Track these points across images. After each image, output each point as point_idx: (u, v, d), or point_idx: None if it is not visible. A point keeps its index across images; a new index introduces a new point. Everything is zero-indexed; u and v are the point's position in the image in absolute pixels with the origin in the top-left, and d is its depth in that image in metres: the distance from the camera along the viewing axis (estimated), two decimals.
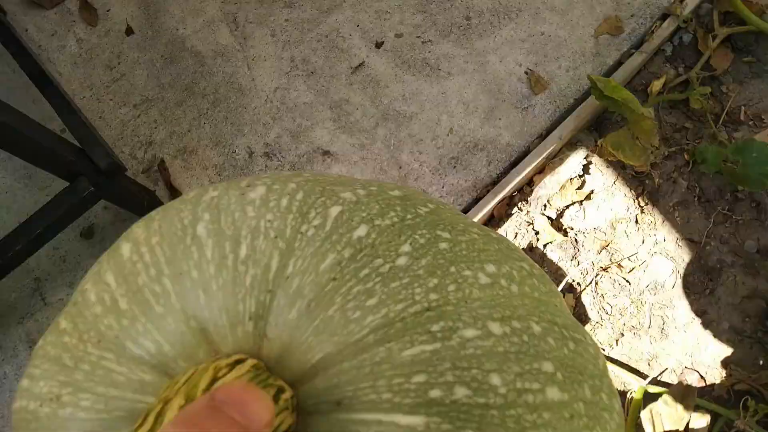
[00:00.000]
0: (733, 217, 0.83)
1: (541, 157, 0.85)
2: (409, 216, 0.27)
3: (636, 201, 0.86)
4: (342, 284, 0.23)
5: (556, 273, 0.83)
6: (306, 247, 0.24)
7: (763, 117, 0.88)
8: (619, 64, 0.92)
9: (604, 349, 0.78)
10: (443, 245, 0.26)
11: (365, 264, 0.24)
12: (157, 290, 0.24)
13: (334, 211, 0.26)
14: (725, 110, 0.88)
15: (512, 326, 0.24)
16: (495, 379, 0.22)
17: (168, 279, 0.24)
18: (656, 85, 0.91)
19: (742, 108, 0.89)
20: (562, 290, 0.82)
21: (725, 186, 0.84)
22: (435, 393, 0.21)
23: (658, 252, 0.83)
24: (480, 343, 0.23)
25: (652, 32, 0.93)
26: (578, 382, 0.25)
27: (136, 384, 0.23)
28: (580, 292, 0.82)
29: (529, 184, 0.88)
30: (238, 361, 0.22)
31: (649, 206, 0.85)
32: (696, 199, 0.85)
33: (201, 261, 0.24)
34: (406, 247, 0.25)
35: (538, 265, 0.30)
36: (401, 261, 0.24)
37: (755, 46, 0.91)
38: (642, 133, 0.80)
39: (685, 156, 0.87)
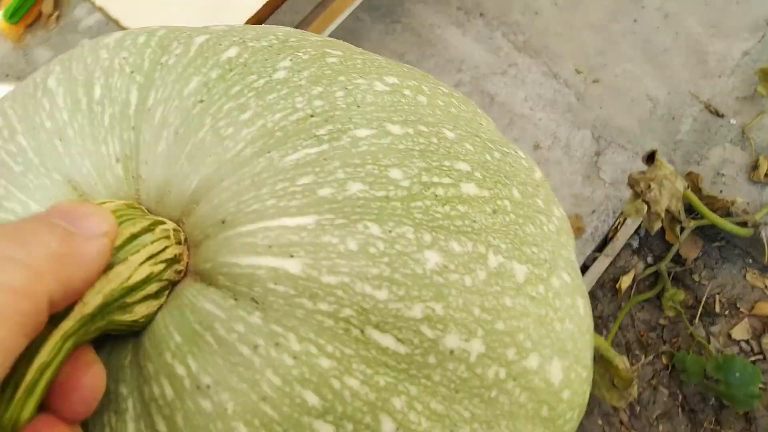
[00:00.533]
0: (721, 431, 0.80)
1: None
2: (292, 39, 0.24)
3: (617, 415, 0.85)
4: (210, 104, 0.22)
5: None
6: (167, 75, 0.22)
7: (738, 305, 0.85)
8: (584, 267, 0.93)
9: None
10: (332, 60, 0.24)
11: (236, 82, 0.22)
12: (13, 149, 0.22)
13: (200, 39, 0.24)
14: (701, 304, 0.87)
15: (417, 129, 0.22)
16: (395, 173, 0.21)
17: (22, 136, 0.22)
18: (625, 281, 0.89)
19: (717, 297, 0.86)
20: None
21: (709, 391, 0.82)
22: (324, 191, 0.20)
23: None
24: (375, 141, 0.21)
25: (616, 230, 0.93)
26: (503, 184, 0.23)
27: None
28: None
29: None
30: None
31: (631, 420, 0.84)
32: (680, 408, 0.82)
33: (53, 110, 0.22)
34: (285, 63, 0.23)
35: (459, 93, 0.28)
36: (279, 75, 0.22)
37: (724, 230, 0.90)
38: (619, 381, 0.77)
39: (663, 360, 0.85)
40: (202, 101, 0.22)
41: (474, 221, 0.21)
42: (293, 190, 0.20)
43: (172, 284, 0.20)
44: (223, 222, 0.20)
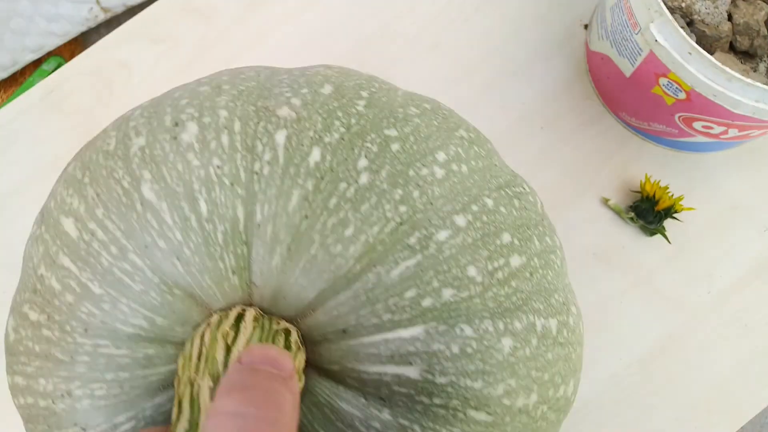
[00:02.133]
0: None
1: None
2: (353, 121, 0.26)
3: None
4: (315, 220, 0.23)
5: None
6: (267, 188, 0.24)
7: None
8: None
9: None
10: (395, 147, 0.25)
11: (331, 192, 0.24)
12: (128, 268, 0.23)
13: (281, 137, 0.25)
14: None
15: (472, 211, 0.25)
16: (471, 271, 0.24)
17: (135, 255, 0.23)
18: None
19: None
20: None
21: None
22: (427, 302, 0.23)
23: None
24: (452, 242, 0.24)
25: None
26: (529, 239, 0.27)
27: (142, 361, 0.23)
28: None
29: None
30: (239, 317, 0.23)
31: None
32: None
33: (163, 228, 0.23)
34: (362, 162, 0.25)
35: (469, 124, 0.31)
36: (363, 179, 0.24)
37: None
38: None
39: None
40: (307, 217, 0.23)
41: (522, 292, 0.26)
42: (402, 304, 0.23)
43: None
44: (344, 331, 0.23)
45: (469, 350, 0.24)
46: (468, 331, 0.24)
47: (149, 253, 0.23)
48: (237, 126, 0.25)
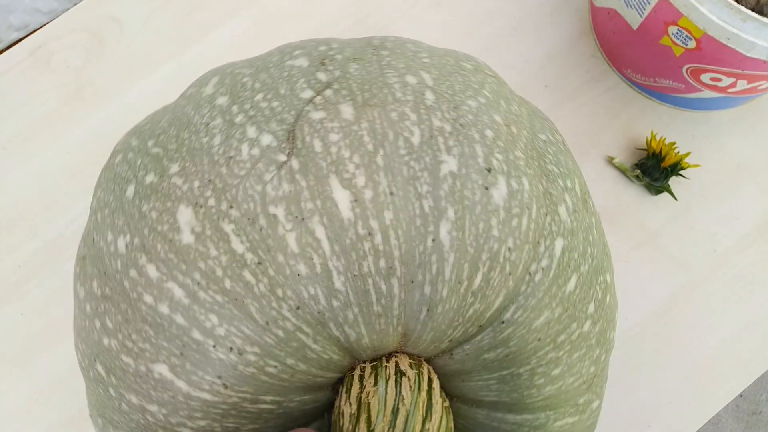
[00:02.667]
0: None
1: None
2: (596, 252, 0.26)
3: None
4: (542, 346, 0.23)
5: None
6: (530, 295, 0.23)
7: None
8: None
9: None
10: (608, 299, 0.26)
11: (564, 327, 0.24)
12: (383, 290, 0.21)
13: (558, 247, 0.24)
14: None
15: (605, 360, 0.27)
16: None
17: (396, 281, 0.22)
18: None
19: None
20: None
21: None
22: None
23: None
24: (597, 412, 0.27)
25: None
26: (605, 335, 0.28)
27: (324, 362, 0.22)
28: None
29: None
30: (429, 381, 0.23)
31: None
32: None
33: (437, 277, 0.22)
34: (591, 308, 0.25)
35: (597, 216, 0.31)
36: (586, 327, 0.25)
37: None
38: None
39: None
40: (539, 340, 0.23)
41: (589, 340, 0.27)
42: None
43: None
44: None
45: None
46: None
47: (410, 289, 0.22)
48: (534, 211, 0.23)
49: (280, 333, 0.21)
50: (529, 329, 0.23)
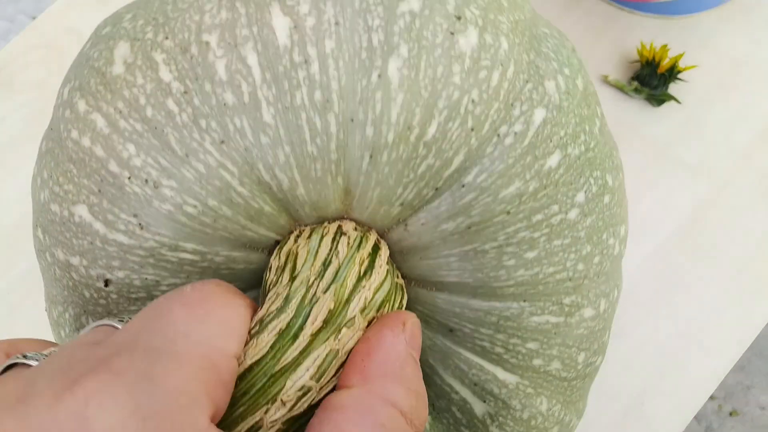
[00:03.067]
0: None
1: None
2: (592, 144, 0.23)
3: None
4: (512, 222, 0.21)
5: None
6: (497, 160, 0.20)
7: None
8: None
9: None
10: (607, 199, 0.23)
11: (542, 207, 0.21)
12: (317, 126, 0.19)
13: (538, 117, 0.21)
14: None
15: (607, 308, 0.25)
16: (581, 357, 0.24)
17: (333, 118, 0.19)
18: None
19: None
20: None
21: None
22: (537, 362, 0.22)
23: None
24: (590, 323, 0.23)
25: None
26: (604, 344, 0.26)
27: (252, 211, 0.20)
28: None
29: None
30: (375, 247, 0.20)
31: None
32: None
33: (381, 117, 0.19)
34: (581, 197, 0.22)
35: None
36: (572, 214, 0.22)
37: None
38: None
39: None
40: (508, 213, 0.21)
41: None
42: (518, 349, 0.22)
43: None
44: (450, 331, 0.22)
45: (534, 422, 0.23)
46: (544, 405, 0.23)
47: (350, 129, 0.20)
48: (510, 70, 0.21)
49: (201, 167, 0.19)
50: (495, 198, 0.21)
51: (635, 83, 0.44)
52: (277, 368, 0.16)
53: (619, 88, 0.45)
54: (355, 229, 0.21)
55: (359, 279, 0.19)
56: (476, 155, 0.20)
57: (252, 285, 0.22)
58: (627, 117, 0.45)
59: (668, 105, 0.45)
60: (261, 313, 0.18)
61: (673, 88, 0.44)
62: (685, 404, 0.41)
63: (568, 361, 0.23)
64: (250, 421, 0.16)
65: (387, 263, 0.20)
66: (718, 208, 0.43)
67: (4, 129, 0.46)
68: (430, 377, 0.22)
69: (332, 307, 0.18)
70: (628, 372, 0.41)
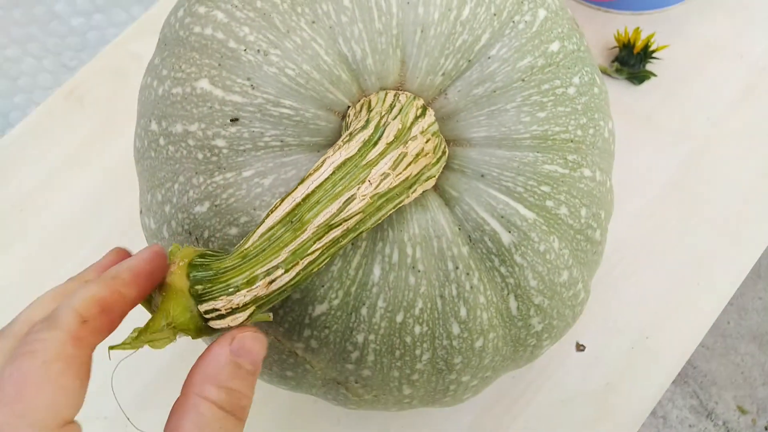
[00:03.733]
0: None
1: None
2: (582, 48, 0.30)
3: None
4: (526, 88, 0.27)
5: None
6: (513, 38, 0.27)
7: None
8: None
9: None
10: (596, 90, 0.30)
11: (548, 79, 0.28)
12: (383, 6, 0.26)
13: (542, 14, 0.28)
14: None
15: (603, 178, 0.30)
16: (583, 211, 0.29)
17: (395, 2, 0.26)
18: None
19: None
20: None
21: None
22: (549, 203, 0.27)
23: None
24: (588, 183, 0.29)
25: None
26: (600, 218, 0.31)
27: (333, 77, 0.26)
28: None
29: None
30: (423, 107, 0.26)
31: None
32: None
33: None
34: (576, 79, 0.29)
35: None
36: (571, 90, 0.28)
37: None
38: None
39: None
40: (523, 80, 0.27)
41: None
42: (535, 191, 0.27)
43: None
44: (482, 176, 0.27)
45: (548, 257, 0.28)
46: (556, 244, 0.28)
47: (405, 9, 0.26)
48: None
49: (298, 40, 0.26)
50: (513, 68, 0.27)
51: (616, 64, 0.51)
52: (363, 162, 0.23)
53: (603, 72, 0.52)
54: (407, 97, 0.27)
55: (416, 117, 0.25)
56: (498, 34, 0.27)
57: (330, 141, 0.27)
58: (612, 95, 0.51)
59: (648, 83, 0.52)
60: (350, 129, 0.24)
61: (653, 69, 0.51)
62: (686, 338, 0.45)
63: (573, 210, 0.28)
64: (347, 195, 0.22)
65: (434, 118, 0.26)
66: (705, 162, 0.49)
67: (74, 137, 0.53)
68: (468, 213, 0.27)
69: (400, 127, 0.24)
70: (632, 310, 0.46)
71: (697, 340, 0.45)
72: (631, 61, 0.51)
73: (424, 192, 0.26)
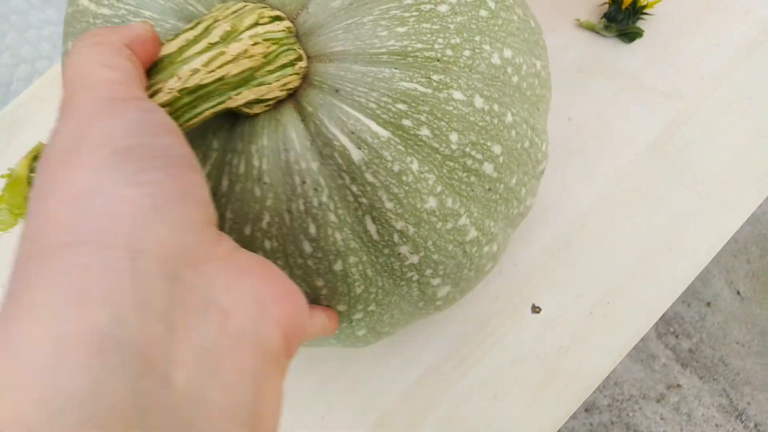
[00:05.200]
0: None
1: None
2: None
3: None
4: (385, 1, 0.27)
5: None
6: None
7: None
8: None
9: None
10: (483, 13, 0.28)
11: None
12: None
13: None
14: None
15: (492, 107, 0.28)
16: (453, 137, 0.27)
17: None
18: None
19: None
20: None
21: None
22: (406, 122, 0.26)
23: None
24: (460, 107, 0.27)
25: None
26: (512, 171, 0.30)
27: None
28: None
29: None
30: (278, 18, 0.26)
31: None
32: None
33: None
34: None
35: (549, 68, 0.34)
36: (442, 8, 0.27)
37: None
38: None
39: None
40: None
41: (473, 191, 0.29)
42: (389, 108, 0.26)
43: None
44: (337, 91, 0.27)
45: (405, 178, 0.27)
46: (414, 166, 0.27)
47: None
48: None
49: None
50: None
51: (603, 21, 0.49)
52: (179, 59, 0.23)
53: (591, 29, 0.49)
54: (255, 6, 0.26)
55: (256, 24, 0.25)
56: None
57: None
58: (601, 53, 0.49)
59: (640, 41, 0.49)
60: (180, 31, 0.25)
61: (646, 24, 0.48)
62: (650, 307, 0.42)
63: (437, 132, 0.27)
64: (154, 87, 0.23)
65: (288, 30, 0.26)
66: (689, 126, 0.46)
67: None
68: (319, 128, 0.26)
69: (228, 29, 0.24)
70: (595, 274, 0.43)
71: (662, 310, 0.42)
72: (620, 17, 0.48)
73: (282, 107, 0.26)
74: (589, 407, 0.81)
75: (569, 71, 0.49)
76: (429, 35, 0.27)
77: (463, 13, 0.28)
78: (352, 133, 0.26)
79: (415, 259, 0.29)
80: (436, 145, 0.27)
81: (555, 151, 0.46)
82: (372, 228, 0.27)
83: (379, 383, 0.43)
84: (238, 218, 0.27)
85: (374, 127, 0.26)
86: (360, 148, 0.26)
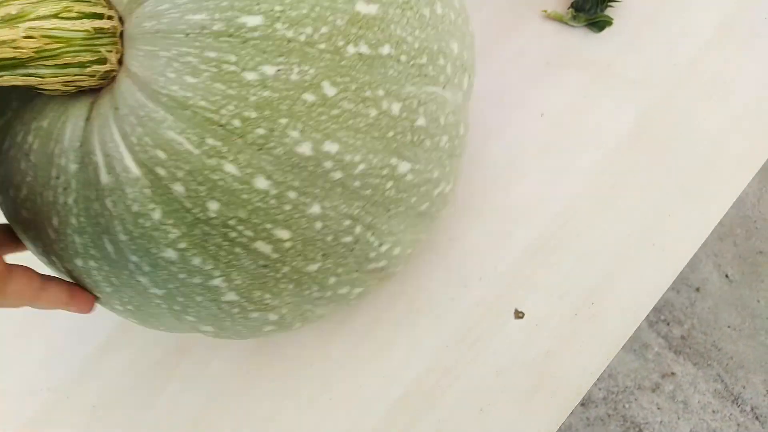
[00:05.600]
0: None
1: None
2: (329, 48, 0.26)
3: None
4: (186, 44, 0.24)
5: None
6: None
7: None
8: None
9: None
10: (308, 97, 0.25)
11: (220, 49, 0.24)
12: None
13: None
14: None
15: (284, 193, 0.26)
16: (212, 205, 0.25)
17: None
18: None
19: None
20: None
21: None
22: (161, 171, 0.25)
23: None
24: (230, 181, 0.25)
25: None
26: (309, 259, 0.29)
27: None
28: None
29: None
30: (97, 15, 0.25)
31: None
32: None
33: None
34: (268, 69, 0.24)
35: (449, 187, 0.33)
36: (249, 76, 0.24)
37: None
38: None
39: None
40: (187, 35, 0.25)
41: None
42: (148, 150, 0.25)
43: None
44: (116, 109, 0.25)
45: (141, 221, 0.27)
46: (156, 214, 0.27)
47: None
48: None
49: None
50: (182, 17, 0.25)
51: (571, 11, 0.47)
52: None
53: (559, 20, 0.48)
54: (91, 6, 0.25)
55: (56, 16, 0.24)
56: None
57: None
58: (571, 43, 0.48)
59: (610, 30, 0.47)
60: None
61: (617, 14, 0.47)
62: (636, 304, 0.41)
63: (193, 195, 0.25)
64: None
65: (95, 31, 0.24)
66: (666, 114, 0.45)
67: None
68: (89, 136, 0.26)
69: (14, 13, 0.23)
70: (577, 274, 0.42)
71: (649, 306, 0.41)
72: (587, 6, 0.46)
73: (80, 98, 0.26)
74: (584, 401, 0.80)
75: (538, 64, 0.47)
76: (219, 98, 0.24)
77: (276, 90, 0.25)
78: (107, 155, 0.25)
79: (158, 291, 0.29)
80: (189, 206, 0.25)
81: (529, 149, 0.45)
82: (110, 247, 0.27)
83: (361, 402, 0.41)
84: (5, 180, 0.28)
85: (128, 160, 0.25)
86: (109, 173, 0.26)
